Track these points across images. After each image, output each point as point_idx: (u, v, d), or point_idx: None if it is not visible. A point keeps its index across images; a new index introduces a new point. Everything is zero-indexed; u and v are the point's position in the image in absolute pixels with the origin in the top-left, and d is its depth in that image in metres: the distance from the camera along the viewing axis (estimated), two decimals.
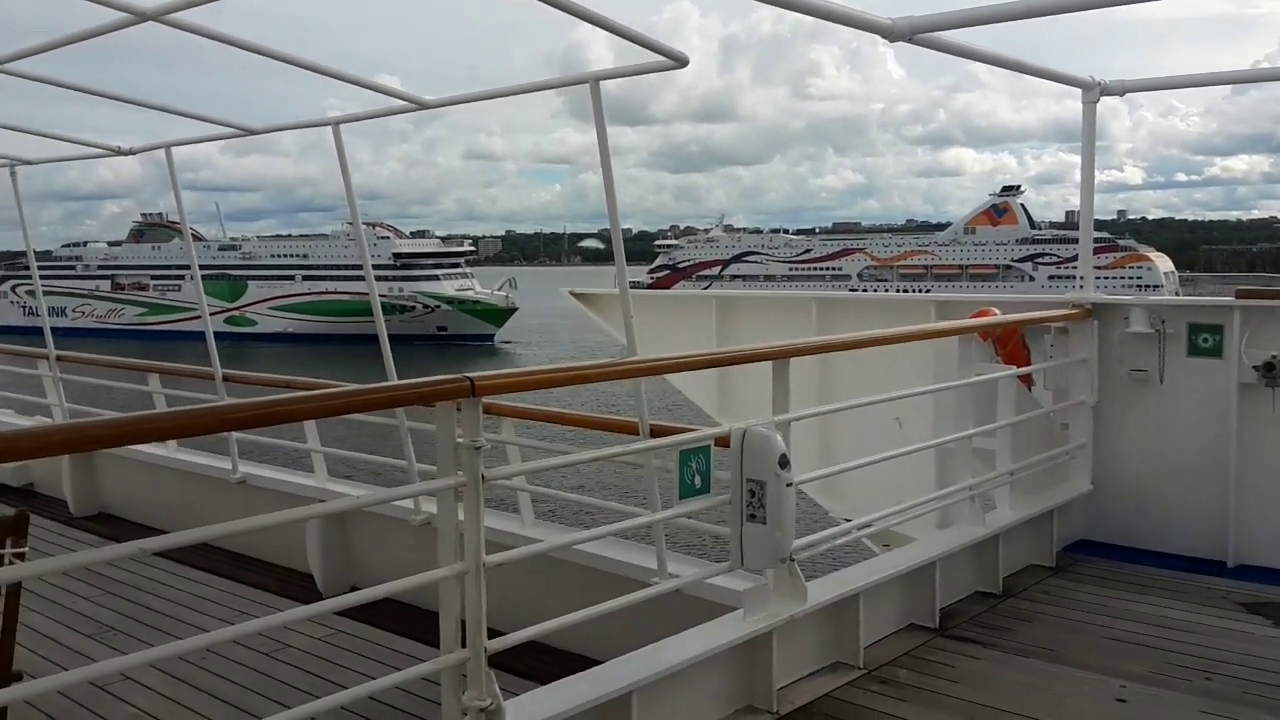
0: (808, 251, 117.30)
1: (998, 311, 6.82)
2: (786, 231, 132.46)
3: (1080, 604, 5.88)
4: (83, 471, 9.23)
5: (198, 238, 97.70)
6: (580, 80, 4.99)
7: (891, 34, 5.25)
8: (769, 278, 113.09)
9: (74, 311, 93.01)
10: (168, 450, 8.88)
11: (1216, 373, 6.60)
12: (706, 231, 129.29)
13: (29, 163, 8.66)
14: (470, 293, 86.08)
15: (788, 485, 4.23)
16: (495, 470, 3.60)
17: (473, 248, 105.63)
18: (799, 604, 4.67)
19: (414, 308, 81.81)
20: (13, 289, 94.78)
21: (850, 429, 7.19)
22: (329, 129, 6.48)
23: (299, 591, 6.94)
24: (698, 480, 4.23)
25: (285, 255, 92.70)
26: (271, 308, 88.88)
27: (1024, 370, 6.66)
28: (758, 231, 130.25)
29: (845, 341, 5.65)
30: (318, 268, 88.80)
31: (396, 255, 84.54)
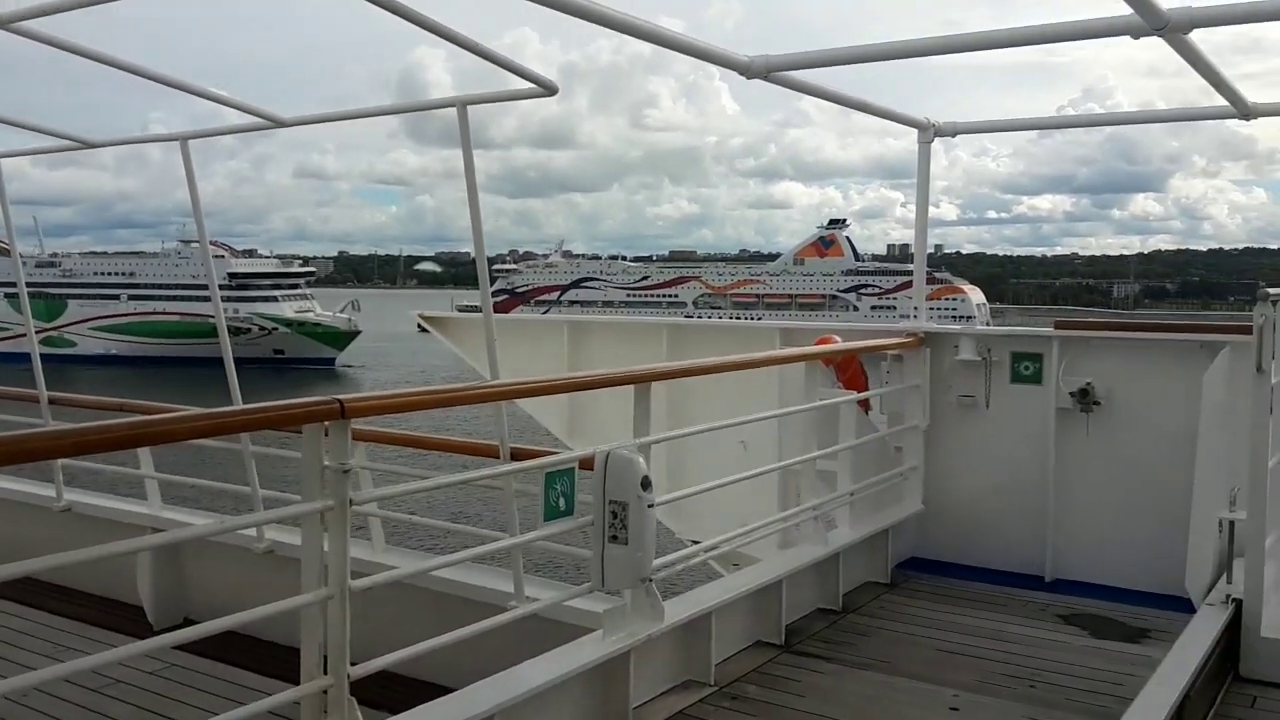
0: (645, 279, 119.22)
1: (839, 339, 7.14)
2: (624, 258, 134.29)
3: (914, 619, 6.20)
4: None
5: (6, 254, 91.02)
6: (448, 104, 5.00)
7: (749, 71, 5.48)
8: (607, 304, 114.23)
9: None
10: None
11: (1037, 398, 7.08)
12: (546, 257, 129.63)
13: None
14: (310, 315, 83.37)
15: (649, 506, 4.32)
16: (362, 495, 3.55)
17: (312, 269, 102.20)
18: (657, 623, 4.75)
19: (250, 330, 78.26)
20: None
21: (697, 451, 7.36)
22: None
23: (128, 625, 6.59)
24: (562, 502, 4.27)
25: (109, 273, 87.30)
26: (93, 328, 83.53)
27: (864, 395, 6.99)
28: (596, 258, 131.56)
29: (704, 366, 5.80)
30: (145, 286, 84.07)
31: (232, 275, 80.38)
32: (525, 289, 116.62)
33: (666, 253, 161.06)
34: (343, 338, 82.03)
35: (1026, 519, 7.08)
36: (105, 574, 7.01)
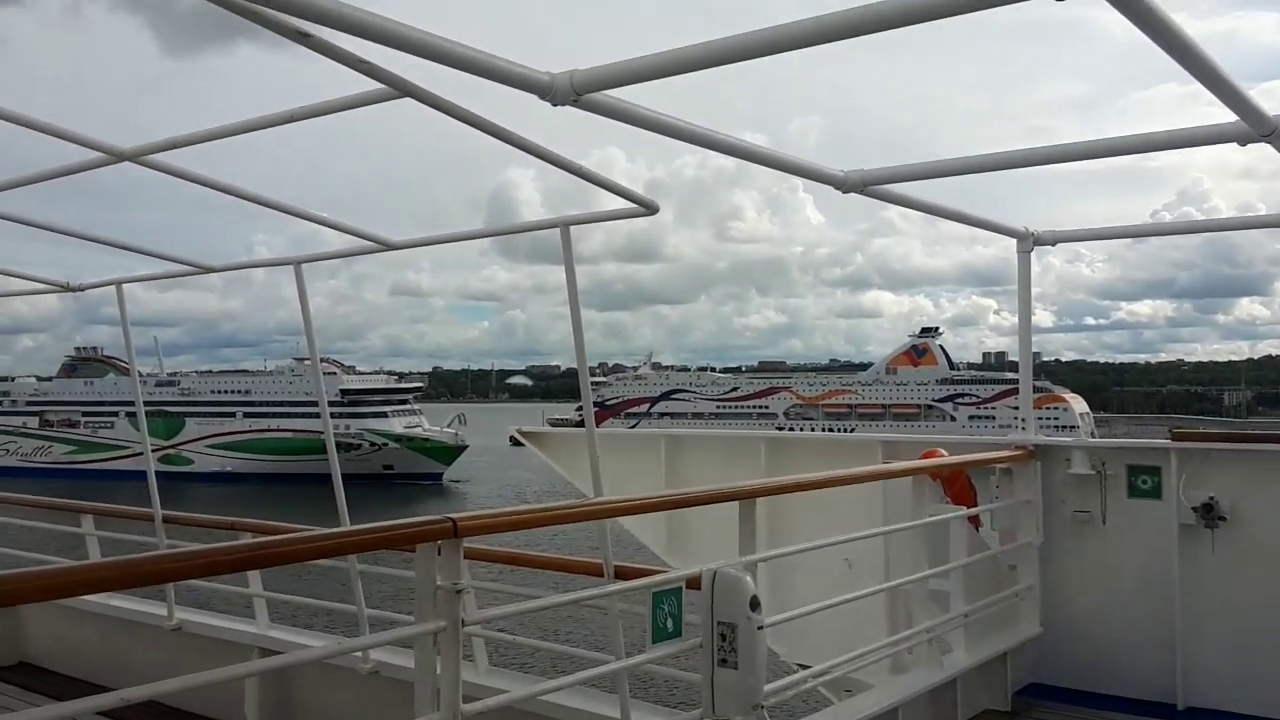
0: (735, 390, 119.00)
1: (945, 452, 6.96)
2: (714, 369, 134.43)
3: None
4: (4, 618, 8.72)
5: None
6: (551, 224, 5.13)
7: (845, 185, 5.51)
8: (697, 415, 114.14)
9: None
10: (98, 595, 8.46)
11: (1157, 514, 6.76)
12: (635, 369, 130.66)
13: None
14: (418, 430, 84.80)
15: (759, 628, 4.20)
16: (475, 614, 3.53)
17: (420, 385, 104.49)
18: None
19: (361, 445, 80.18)
20: None
21: (798, 569, 7.18)
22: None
23: None
24: (669, 623, 4.18)
25: (226, 391, 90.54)
26: (210, 445, 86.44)
27: (975, 511, 6.77)
28: (685, 369, 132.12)
29: (809, 481, 5.70)
30: (260, 404, 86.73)
31: (344, 391, 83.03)
32: (615, 401, 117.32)
33: (755, 363, 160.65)
34: (450, 452, 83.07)
35: (1153, 643, 6.70)
36: (214, 695, 7.05)
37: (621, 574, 5.05)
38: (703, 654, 4.22)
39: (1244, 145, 4.86)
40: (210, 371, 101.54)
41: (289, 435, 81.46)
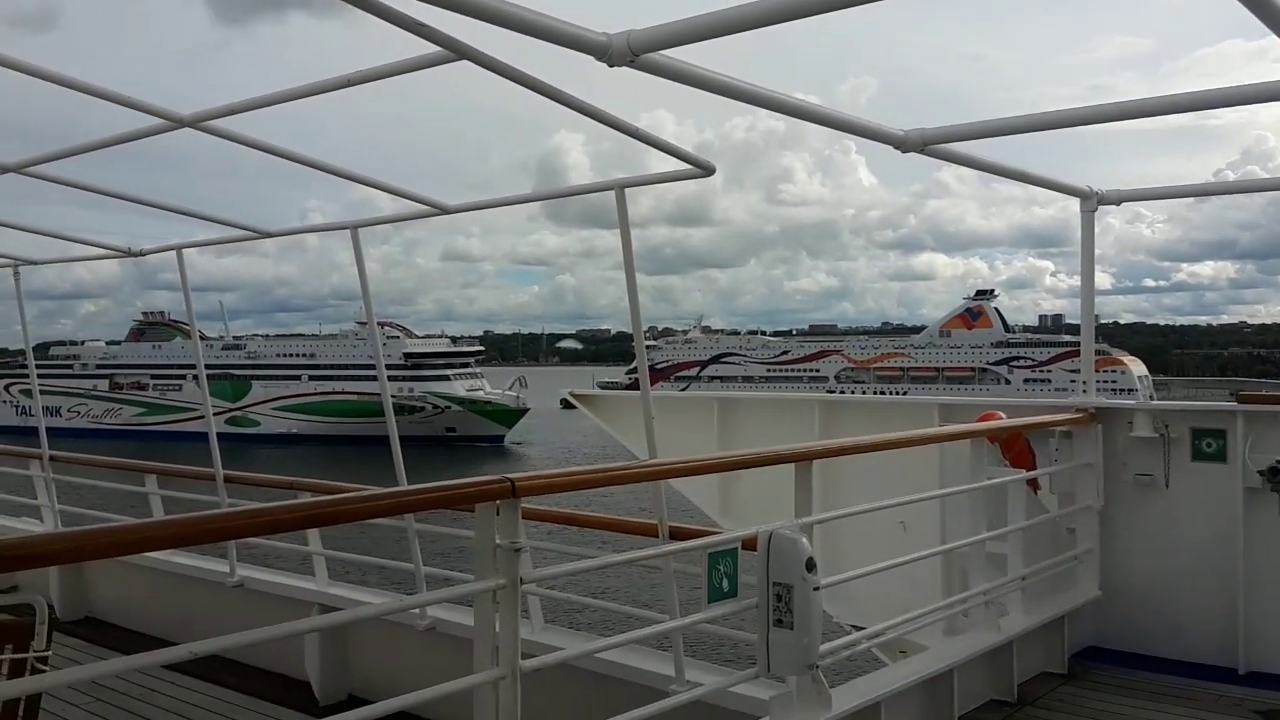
0: (785, 353, 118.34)
1: (1003, 415, 6.88)
2: (764, 333, 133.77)
3: (1097, 713, 5.81)
4: (71, 574, 9.01)
5: (203, 337, 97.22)
6: (607, 187, 5.11)
7: (904, 145, 5.42)
8: (747, 379, 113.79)
9: (69, 411, 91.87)
10: (162, 553, 8.69)
11: (1221, 477, 6.64)
12: (685, 333, 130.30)
13: (34, 263, 8.67)
14: (480, 393, 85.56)
15: (814, 589, 4.21)
16: (533, 573, 3.57)
17: (481, 348, 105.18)
18: (824, 712, 4.59)
19: (424, 408, 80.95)
20: (6, 388, 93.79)
21: (851, 532, 7.15)
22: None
23: (297, 700, 6.76)
24: (725, 584, 4.20)
25: (291, 355, 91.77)
26: (275, 408, 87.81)
27: (1033, 474, 6.70)
28: (735, 333, 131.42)
29: (866, 444, 5.67)
30: (325, 367, 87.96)
31: (407, 355, 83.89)
32: (665, 365, 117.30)
33: (806, 326, 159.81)
34: (512, 415, 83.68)
35: (1216, 607, 6.60)
36: (275, 650, 7.24)
37: (676, 534, 5.08)
38: (758, 614, 4.23)
39: None
40: (275, 335, 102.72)
41: (353, 397, 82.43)
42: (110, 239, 8.10)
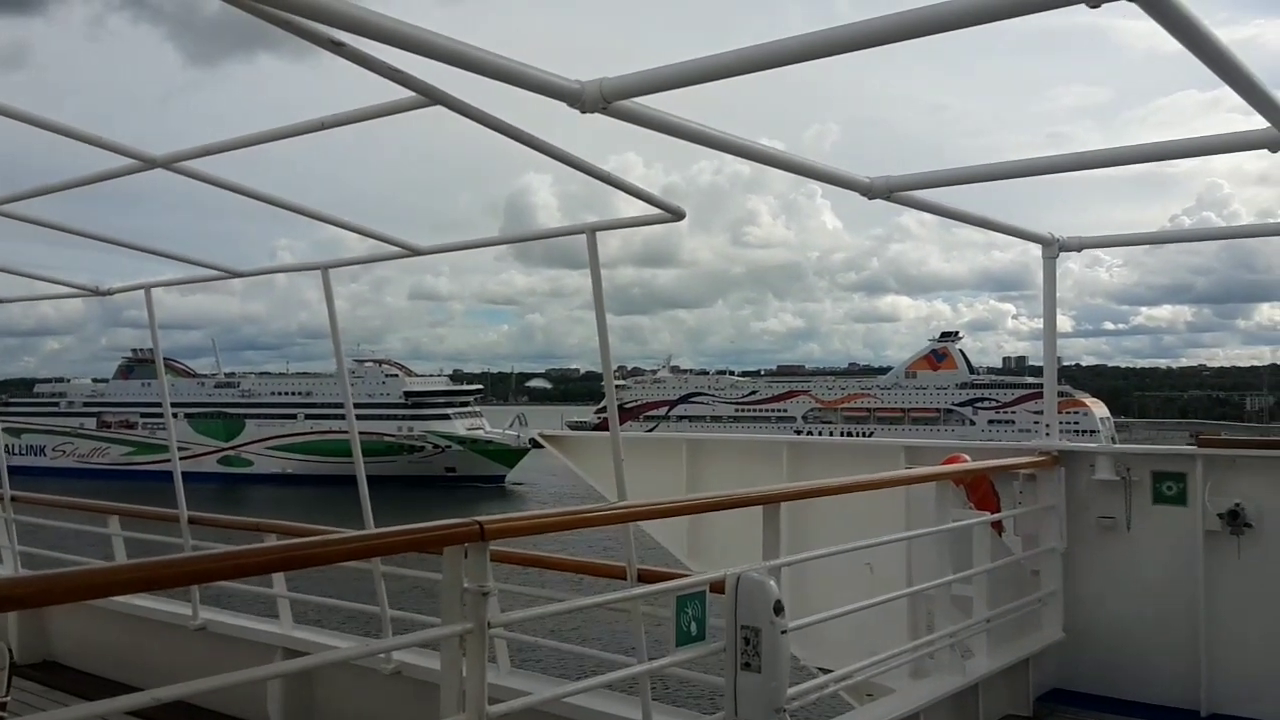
0: (753, 393, 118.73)
1: (968, 458, 6.95)
2: (732, 373, 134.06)
3: None
4: (30, 617, 8.81)
5: (191, 374, 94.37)
6: (579, 230, 5.15)
7: (871, 191, 5.52)
8: (716, 418, 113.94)
9: (54, 450, 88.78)
10: (124, 595, 8.52)
11: (1182, 520, 6.73)
12: (654, 372, 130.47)
13: (2, 301, 8.58)
14: (480, 432, 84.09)
15: (783, 632, 4.22)
16: (500, 617, 3.56)
17: (479, 387, 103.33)
18: None
19: (424, 448, 79.43)
20: None
21: (819, 573, 7.16)
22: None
23: None
24: (693, 627, 4.20)
25: (286, 393, 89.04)
26: (269, 447, 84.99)
27: (998, 516, 6.76)
28: (704, 373, 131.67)
29: (834, 486, 5.71)
30: (321, 406, 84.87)
31: (407, 394, 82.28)
32: (634, 404, 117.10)
33: (774, 367, 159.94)
34: (513, 455, 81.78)
35: (1177, 649, 6.67)
36: (238, 694, 7.10)
37: (644, 577, 5.07)
38: (726, 658, 4.23)
39: (1275, 152, 4.84)
40: (270, 373, 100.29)
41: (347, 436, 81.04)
42: (77, 276, 8.04)
